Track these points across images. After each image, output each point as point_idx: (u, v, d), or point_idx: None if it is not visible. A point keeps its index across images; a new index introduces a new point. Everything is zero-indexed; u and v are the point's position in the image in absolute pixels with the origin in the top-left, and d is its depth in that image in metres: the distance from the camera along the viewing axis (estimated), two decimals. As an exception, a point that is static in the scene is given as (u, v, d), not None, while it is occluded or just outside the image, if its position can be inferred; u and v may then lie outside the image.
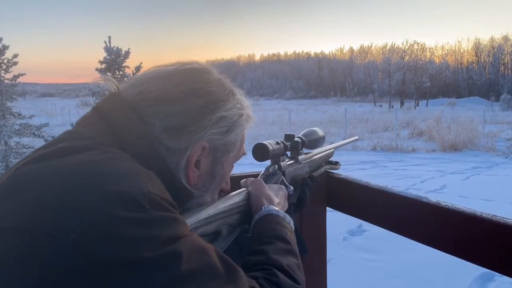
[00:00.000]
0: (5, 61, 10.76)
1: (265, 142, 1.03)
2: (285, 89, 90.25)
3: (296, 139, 1.20)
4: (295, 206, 1.18)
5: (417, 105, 51.04)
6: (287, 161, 1.17)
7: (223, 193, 0.94)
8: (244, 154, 0.95)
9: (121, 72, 5.86)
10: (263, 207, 0.93)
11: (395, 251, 5.05)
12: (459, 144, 15.21)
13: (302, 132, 1.28)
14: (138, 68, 5.96)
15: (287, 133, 1.22)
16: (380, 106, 51.42)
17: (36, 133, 6.66)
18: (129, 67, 5.95)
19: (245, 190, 0.98)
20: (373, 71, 72.71)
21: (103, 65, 5.90)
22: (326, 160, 1.41)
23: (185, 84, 0.82)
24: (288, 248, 0.85)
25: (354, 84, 77.45)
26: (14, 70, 9.90)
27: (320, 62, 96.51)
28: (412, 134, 19.50)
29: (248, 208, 0.96)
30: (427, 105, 49.67)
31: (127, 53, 5.87)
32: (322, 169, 1.36)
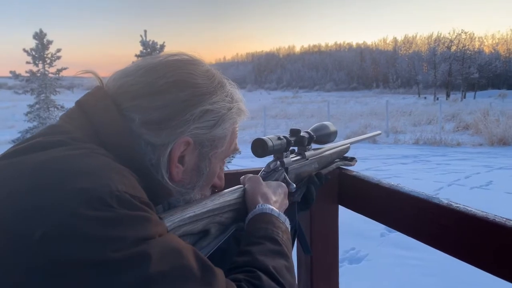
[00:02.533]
0: (49, 55, 11.22)
1: (264, 138, 0.99)
2: (326, 81, 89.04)
3: (302, 134, 1.14)
4: (301, 204, 1.12)
5: (464, 97, 48.93)
6: (293, 157, 1.12)
7: (217, 189, 0.91)
8: (236, 150, 0.91)
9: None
10: (257, 205, 0.89)
11: (433, 248, 4.87)
12: (509, 138, 14.44)
13: (312, 127, 1.22)
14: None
15: (293, 127, 1.16)
16: (425, 98, 49.70)
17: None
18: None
19: (241, 187, 0.94)
20: (418, 61, 70.27)
21: (139, 58, 5.99)
22: (340, 156, 1.33)
23: (168, 76, 0.78)
24: (277, 249, 0.80)
25: (398, 75, 75.31)
26: (58, 64, 10.32)
27: (362, 52, 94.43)
28: (458, 128, 18.71)
29: (243, 206, 0.92)
30: (474, 97, 47.53)
31: (162, 47, 5.94)
32: (333, 166, 1.29)
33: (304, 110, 28.55)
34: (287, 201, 0.99)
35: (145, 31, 5.97)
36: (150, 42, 6.00)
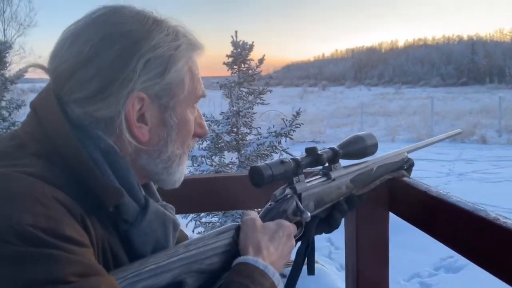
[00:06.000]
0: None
1: (261, 165, 0.84)
2: (432, 76, 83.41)
3: (324, 151, 0.98)
4: (323, 227, 1.00)
5: None
6: (312, 180, 0.97)
7: (200, 138, 0.84)
8: (202, 93, 0.82)
9: (246, 65, 6.07)
10: (242, 256, 0.77)
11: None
12: None
13: (343, 140, 1.06)
14: (261, 61, 6.10)
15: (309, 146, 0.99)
16: (549, 93, 44.02)
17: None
18: (253, 60, 6.14)
19: (232, 229, 0.83)
20: (542, 52, 62.43)
21: (230, 59, 6.18)
22: (392, 169, 1.15)
23: (93, 37, 0.70)
24: None
25: (516, 68, 67.72)
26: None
27: (474, 45, 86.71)
28: None
29: (235, 250, 0.80)
30: None
31: (251, 46, 6.06)
32: (377, 182, 1.11)
33: (406, 107, 27.03)
34: (293, 243, 0.86)
35: (236, 32, 6.14)
36: (241, 43, 6.14)
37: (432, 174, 9.10)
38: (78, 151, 0.68)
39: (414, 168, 1.22)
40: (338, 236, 1.31)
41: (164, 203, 0.86)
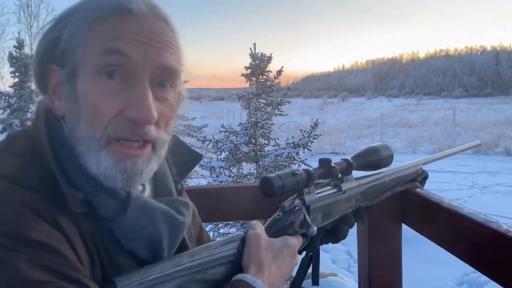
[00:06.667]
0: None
1: (272, 176, 0.83)
2: (454, 87, 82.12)
3: (338, 162, 0.97)
4: (329, 238, 0.98)
5: None
6: (323, 191, 0.95)
7: (138, 123, 0.68)
8: (112, 48, 0.68)
9: (264, 76, 6.11)
10: (242, 274, 0.75)
11: None
12: None
13: (358, 151, 1.04)
14: (279, 72, 6.13)
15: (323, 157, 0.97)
16: None
17: (191, 133, 7.43)
18: (271, 71, 6.17)
19: (237, 239, 0.81)
20: None
21: (248, 71, 6.23)
22: (405, 181, 1.12)
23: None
24: None
25: (543, 78, 66.07)
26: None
27: (498, 55, 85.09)
28: None
29: (240, 259, 0.79)
30: None
31: (270, 58, 6.10)
32: (388, 193, 1.08)
33: (427, 118, 26.62)
34: (296, 261, 0.85)
35: (254, 44, 6.19)
36: (259, 54, 6.19)
37: (454, 187, 8.91)
38: (45, 153, 0.68)
39: (435, 180, 1.19)
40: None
41: (173, 198, 0.83)
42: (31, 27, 11.08)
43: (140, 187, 0.80)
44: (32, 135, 0.72)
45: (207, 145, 5.69)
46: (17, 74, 7.60)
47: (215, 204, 1.24)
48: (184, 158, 0.92)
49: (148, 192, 0.81)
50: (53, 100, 0.73)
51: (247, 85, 6.07)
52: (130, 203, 0.71)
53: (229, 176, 5.45)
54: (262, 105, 5.89)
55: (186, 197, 0.90)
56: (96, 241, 0.68)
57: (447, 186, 8.73)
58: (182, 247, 0.81)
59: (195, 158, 0.94)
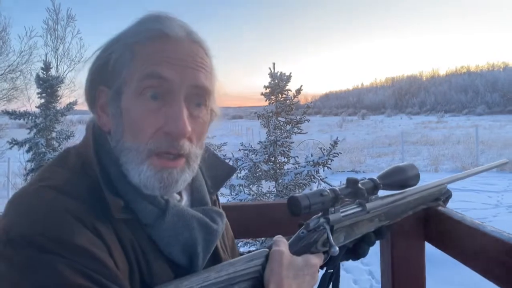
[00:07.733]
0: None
1: (300, 195, 0.84)
2: (476, 104, 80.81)
3: (364, 182, 0.97)
4: (351, 255, 0.99)
5: None
6: (347, 210, 0.95)
7: (173, 136, 0.75)
8: (153, 72, 0.75)
9: (283, 95, 6.16)
10: None
11: None
12: None
13: (384, 171, 1.03)
14: (298, 91, 6.17)
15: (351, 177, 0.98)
16: None
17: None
18: (291, 90, 6.22)
19: (262, 255, 0.82)
20: None
21: (268, 90, 6.28)
22: (429, 200, 1.12)
23: None
24: None
25: None
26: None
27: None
28: None
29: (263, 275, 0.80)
30: None
31: (289, 77, 6.15)
32: (410, 212, 1.08)
33: (449, 136, 26.15)
34: (315, 281, 0.86)
35: (274, 64, 6.27)
36: (278, 74, 6.26)
37: (479, 206, 8.69)
38: (92, 163, 0.75)
39: (457, 199, 1.18)
40: (379, 268, 1.28)
41: (208, 207, 0.87)
42: (57, 49, 11.43)
43: (177, 197, 0.85)
44: (81, 149, 0.79)
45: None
46: (43, 95, 7.83)
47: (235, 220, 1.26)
48: (218, 171, 0.97)
49: (185, 201, 0.87)
50: (101, 117, 0.81)
51: (265, 103, 6.13)
52: (168, 209, 0.77)
53: (249, 194, 5.46)
54: (281, 123, 5.93)
55: (219, 208, 0.94)
56: (135, 247, 0.73)
57: (471, 205, 8.52)
58: (215, 255, 0.85)
59: (229, 171, 0.99)
